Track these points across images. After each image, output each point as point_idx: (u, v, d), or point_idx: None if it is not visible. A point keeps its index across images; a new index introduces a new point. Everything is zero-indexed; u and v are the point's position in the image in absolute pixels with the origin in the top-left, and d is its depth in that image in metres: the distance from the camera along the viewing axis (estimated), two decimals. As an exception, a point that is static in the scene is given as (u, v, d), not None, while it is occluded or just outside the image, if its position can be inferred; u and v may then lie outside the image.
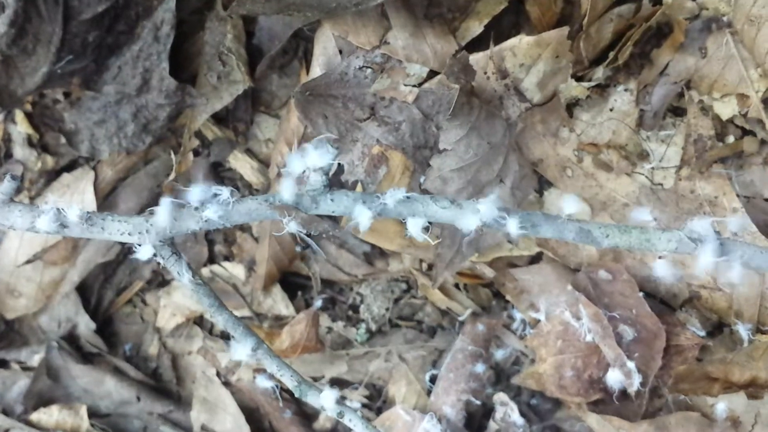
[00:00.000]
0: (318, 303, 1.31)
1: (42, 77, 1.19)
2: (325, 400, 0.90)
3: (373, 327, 1.31)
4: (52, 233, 0.88)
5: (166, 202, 0.85)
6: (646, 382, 1.11)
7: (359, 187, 1.17)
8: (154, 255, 0.89)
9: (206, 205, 0.86)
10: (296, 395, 0.91)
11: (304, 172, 0.86)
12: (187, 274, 0.90)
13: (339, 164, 1.17)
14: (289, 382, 0.91)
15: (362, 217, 0.84)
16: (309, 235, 1.28)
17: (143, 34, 1.20)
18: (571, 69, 1.10)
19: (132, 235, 0.88)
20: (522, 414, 1.21)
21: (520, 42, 1.09)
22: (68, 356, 1.37)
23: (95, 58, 1.21)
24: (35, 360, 1.39)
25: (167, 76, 1.20)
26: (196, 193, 0.85)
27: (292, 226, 0.85)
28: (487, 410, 1.24)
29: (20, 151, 1.34)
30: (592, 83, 1.12)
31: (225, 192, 0.86)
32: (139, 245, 0.89)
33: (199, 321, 1.39)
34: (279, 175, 1.25)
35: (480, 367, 1.22)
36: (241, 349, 0.92)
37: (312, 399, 0.91)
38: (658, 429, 1.11)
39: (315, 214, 0.89)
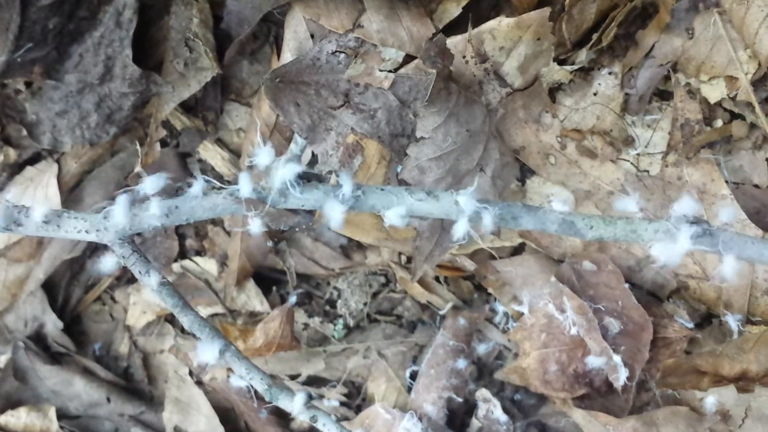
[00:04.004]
0: (293, 298, 1.28)
1: (1, 66, 1.15)
2: (296, 404, 0.86)
3: (351, 322, 1.28)
4: (3, 231, 0.84)
5: (122, 198, 0.81)
6: (633, 376, 1.09)
7: (333, 178, 1.13)
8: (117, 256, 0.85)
9: (168, 199, 0.82)
10: (267, 399, 0.87)
11: (272, 163, 0.83)
12: (149, 273, 0.86)
13: (313, 154, 1.14)
14: (259, 386, 0.87)
15: (334, 212, 0.80)
16: (282, 231, 1.25)
17: (105, 20, 1.16)
18: (553, 52, 1.08)
19: (90, 233, 0.84)
20: (505, 410, 1.19)
21: (500, 24, 1.07)
22: (35, 356, 1.35)
23: (56, 45, 1.18)
24: (1, 361, 1.37)
25: (131, 63, 1.16)
26: (149, 184, 0.80)
27: (258, 222, 0.81)
28: (470, 407, 1.22)
29: (-19, 144, 1.30)
30: (575, 66, 1.10)
31: (197, 184, 0.82)
32: (99, 243, 0.85)
33: (171, 318, 1.36)
34: (251, 165, 1.22)
35: (462, 363, 1.20)
36: (209, 351, 0.88)
37: (283, 402, 0.87)
38: (646, 424, 1.09)
39: (285, 208, 0.85)
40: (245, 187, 0.80)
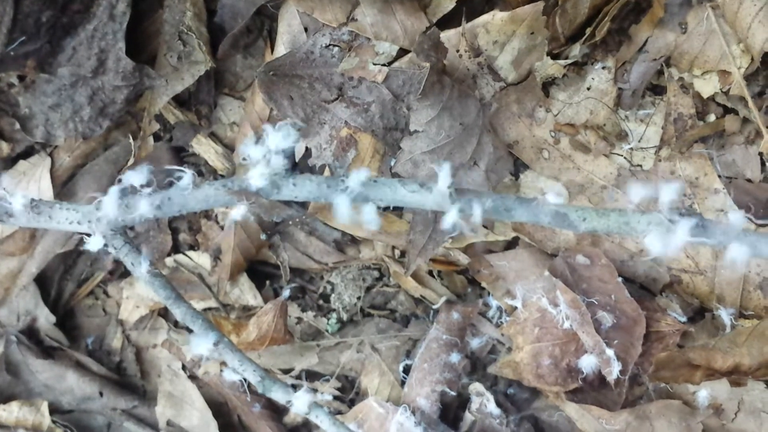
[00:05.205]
0: (286, 292, 1.27)
1: (-7, 60, 1.15)
2: (292, 397, 0.86)
3: (345, 316, 1.27)
4: (-5, 222, 0.84)
5: (114, 189, 0.80)
6: (626, 369, 1.09)
7: (327, 172, 1.13)
8: (105, 245, 0.85)
9: (160, 190, 0.82)
10: (260, 391, 0.87)
11: (265, 156, 0.83)
12: (142, 264, 0.85)
13: (306, 148, 1.14)
14: (252, 378, 0.87)
15: (341, 205, 0.80)
16: (276, 224, 1.25)
17: (98, 13, 1.16)
18: (546, 46, 1.08)
19: (81, 224, 0.84)
20: (498, 404, 1.18)
21: (494, 18, 1.07)
22: (28, 351, 1.34)
23: (49, 38, 1.17)
24: (-6, 355, 1.35)
25: (124, 56, 1.16)
26: (135, 176, 0.80)
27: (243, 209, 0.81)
28: (463, 401, 1.21)
29: (-27, 137, 1.29)
30: (569, 61, 1.10)
31: (187, 175, 0.82)
32: (90, 235, 0.84)
33: (164, 313, 1.35)
34: (245, 159, 1.21)
35: (455, 357, 1.19)
36: (202, 343, 0.88)
37: (276, 395, 0.87)
38: (639, 418, 1.08)
39: (278, 200, 0.85)
40: (257, 178, 0.80)
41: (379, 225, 0.82)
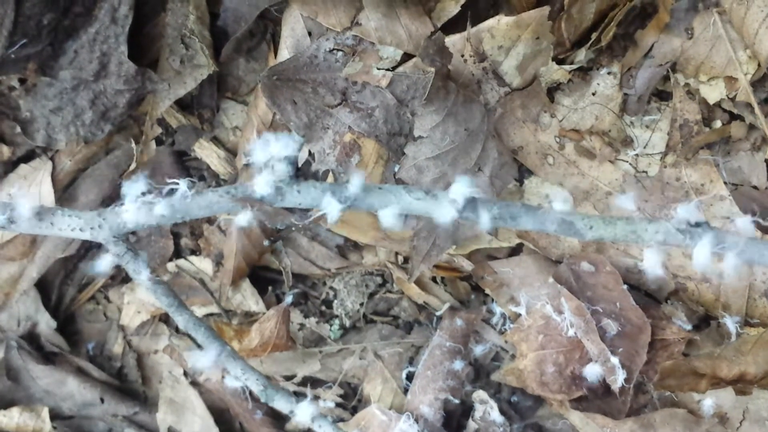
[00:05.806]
0: (289, 298, 1.26)
1: (-7, 63, 1.14)
2: (293, 406, 0.85)
3: (347, 323, 1.27)
4: (-3, 229, 0.83)
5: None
6: (631, 378, 1.08)
7: (330, 177, 1.13)
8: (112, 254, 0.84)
9: (164, 198, 0.82)
10: (262, 400, 0.86)
11: (269, 161, 0.82)
12: (144, 272, 0.85)
13: (309, 153, 1.13)
14: (255, 387, 0.86)
15: (330, 209, 0.80)
16: (278, 230, 1.24)
17: (100, 16, 1.15)
18: (552, 51, 1.08)
19: (84, 231, 0.83)
20: (502, 412, 1.18)
21: (499, 23, 1.06)
22: (28, 356, 1.33)
23: (51, 41, 1.17)
24: (-6, 360, 1.34)
25: (126, 60, 1.15)
26: (136, 186, 0.80)
27: (254, 219, 0.80)
28: (466, 409, 1.21)
29: (-26, 141, 1.29)
30: (574, 66, 1.09)
31: (182, 184, 0.82)
32: (93, 241, 0.84)
33: (165, 318, 1.34)
34: (247, 164, 1.21)
35: (458, 364, 1.19)
36: (205, 357, 0.87)
37: (279, 404, 0.86)
38: (643, 427, 1.08)
39: (281, 207, 0.84)
40: (261, 185, 0.79)
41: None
